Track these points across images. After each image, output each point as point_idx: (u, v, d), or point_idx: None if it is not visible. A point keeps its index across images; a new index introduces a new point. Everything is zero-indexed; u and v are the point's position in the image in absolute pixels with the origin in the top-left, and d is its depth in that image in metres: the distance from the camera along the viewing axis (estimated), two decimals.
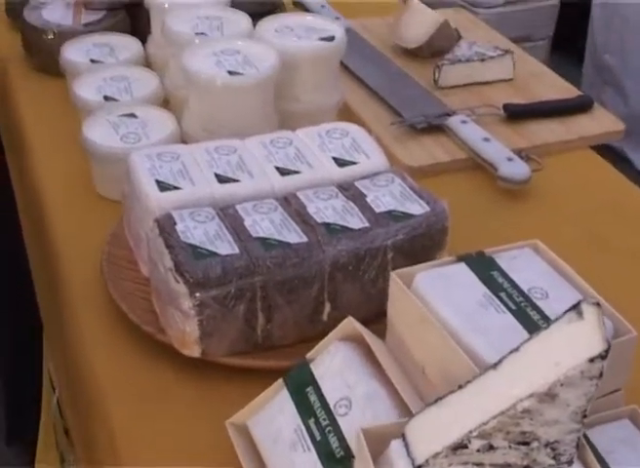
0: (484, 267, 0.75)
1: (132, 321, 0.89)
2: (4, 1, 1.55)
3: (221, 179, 0.93)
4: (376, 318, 0.87)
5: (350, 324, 0.75)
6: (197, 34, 1.16)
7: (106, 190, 1.11)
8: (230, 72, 1.06)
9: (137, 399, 0.85)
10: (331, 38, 1.15)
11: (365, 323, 0.77)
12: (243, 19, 1.21)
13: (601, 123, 1.30)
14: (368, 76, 1.36)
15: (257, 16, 1.31)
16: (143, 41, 1.34)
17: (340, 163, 0.96)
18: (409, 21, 1.44)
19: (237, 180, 0.93)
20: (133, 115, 1.13)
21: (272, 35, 1.16)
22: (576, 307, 0.56)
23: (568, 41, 3.59)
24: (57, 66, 1.31)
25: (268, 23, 1.18)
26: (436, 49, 1.42)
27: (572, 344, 0.55)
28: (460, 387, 0.59)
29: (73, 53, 1.29)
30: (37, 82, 1.39)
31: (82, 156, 1.14)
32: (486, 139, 1.19)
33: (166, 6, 1.25)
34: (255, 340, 0.85)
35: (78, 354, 0.94)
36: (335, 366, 0.73)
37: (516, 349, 0.58)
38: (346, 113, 1.25)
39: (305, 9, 1.56)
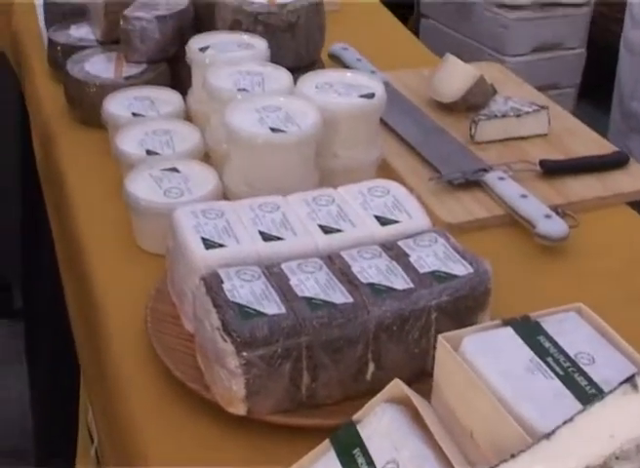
0: (530, 332, 0.76)
1: (176, 377, 0.89)
2: (47, 53, 1.58)
3: (266, 237, 0.94)
4: (418, 377, 0.88)
5: (397, 386, 0.76)
6: (239, 90, 1.18)
7: (148, 244, 1.13)
8: (272, 129, 1.08)
9: (180, 456, 0.86)
10: (371, 95, 1.17)
11: (407, 382, 0.78)
12: (283, 75, 1.23)
13: (637, 179, 1.31)
14: (405, 130, 1.38)
15: (295, 69, 1.34)
16: (184, 94, 1.36)
17: (383, 222, 0.98)
18: (445, 76, 1.45)
19: (281, 238, 0.94)
20: (175, 170, 1.15)
21: (313, 92, 1.18)
22: (630, 380, 0.57)
23: (595, 88, 3.61)
24: (99, 119, 1.33)
25: (309, 80, 1.20)
26: (472, 103, 1.44)
27: (627, 417, 0.56)
28: (513, 456, 0.60)
29: (115, 106, 1.31)
30: (79, 134, 1.41)
31: (123, 209, 1.15)
32: (523, 196, 1.20)
33: (207, 61, 1.27)
34: (299, 399, 0.85)
35: (120, 408, 0.95)
36: (382, 427, 0.74)
37: (570, 420, 0.58)
38: (384, 168, 1.26)
39: (342, 62, 1.58)
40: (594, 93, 3.63)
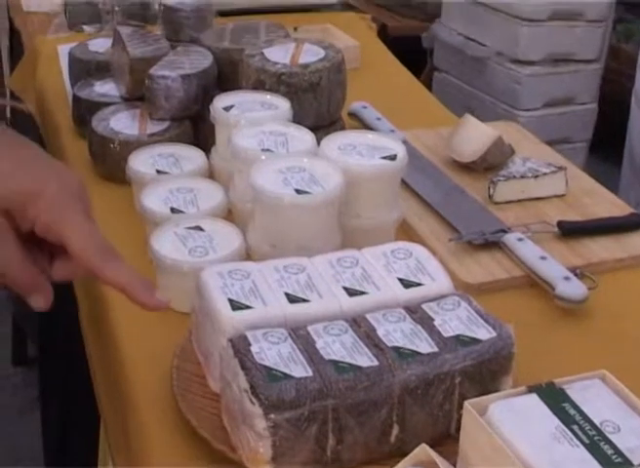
0: (555, 399, 0.77)
1: (202, 436, 0.90)
2: (72, 109, 1.61)
3: (292, 299, 0.95)
4: (441, 440, 0.89)
5: (424, 450, 0.77)
6: (263, 150, 1.20)
7: (173, 301, 1.13)
8: (297, 190, 1.10)
9: None
10: (393, 157, 1.19)
11: (430, 445, 0.79)
12: (307, 136, 1.25)
13: None
14: (424, 190, 1.40)
15: (317, 128, 1.37)
16: (206, 151, 1.39)
17: (406, 284, 0.99)
18: (464, 136, 1.47)
19: (307, 300, 0.95)
20: (199, 228, 1.16)
21: (336, 153, 1.20)
22: None
23: (606, 143, 3.64)
24: (123, 175, 1.35)
25: (332, 141, 1.22)
26: (490, 163, 1.46)
27: None
28: None
29: (139, 163, 1.34)
30: (104, 190, 1.43)
31: (148, 266, 1.17)
32: (542, 258, 1.21)
33: (231, 121, 1.29)
34: (324, 460, 0.86)
35: (144, 466, 0.96)
36: None
37: None
38: (404, 227, 1.28)
39: (361, 121, 1.60)
40: (605, 147, 3.66)
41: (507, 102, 3.44)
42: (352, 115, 1.63)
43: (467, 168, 1.48)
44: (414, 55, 3.78)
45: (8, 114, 3.18)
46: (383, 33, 3.79)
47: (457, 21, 3.70)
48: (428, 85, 3.77)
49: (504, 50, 3.45)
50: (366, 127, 1.58)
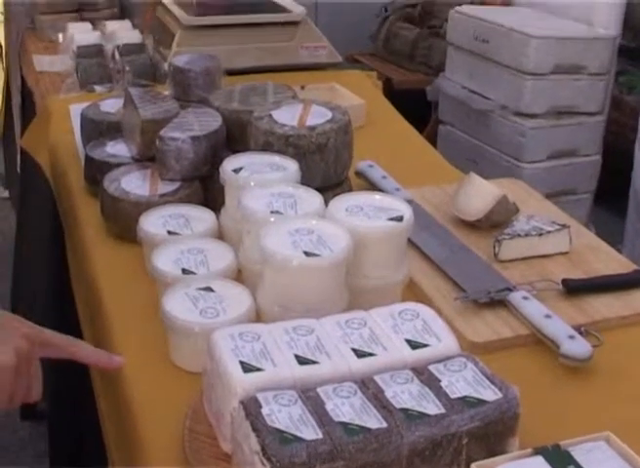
0: (561, 461, 0.79)
1: None
2: (84, 169, 1.64)
3: (301, 361, 0.97)
4: None
5: None
6: (272, 212, 1.23)
7: (184, 362, 1.16)
8: (306, 253, 1.12)
9: None
10: (399, 218, 1.21)
11: None
12: (315, 198, 1.27)
13: None
14: (430, 248, 1.42)
15: (324, 189, 1.39)
16: (215, 210, 1.41)
17: (413, 345, 1.01)
18: (468, 195, 1.50)
19: (316, 362, 0.97)
20: (210, 289, 1.19)
21: (344, 214, 1.22)
22: None
23: (610, 194, 3.66)
24: (134, 234, 1.38)
25: (339, 202, 1.25)
26: (495, 221, 1.48)
27: None
28: None
29: (150, 224, 1.36)
30: (115, 248, 1.46)
31: (159, 325, 1.19)
32: (547, 316, 1.23)
33: (241, 182, 1.32)
34: None
35: None
36: None
37: None
38: (410, 286, 1.30)
39: (367, 179, 1.63)
40: (610, 198, 3.69)
41: (512, 155, 3.48)
42: (359, 174, 1.66)
43: (472, 226, 1.50)
44: (418, 108, 3.83)
45: (18, 169, 3.23)
46: (388, 87, 3.84)
47: (461, 75, 3.75)
48: (433, 138, 3.81)
49: (508, 103, 3.49)
50: (372, 185, 1.61)
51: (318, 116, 1.45)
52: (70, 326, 1.79)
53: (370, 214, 1.22)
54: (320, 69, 2.27)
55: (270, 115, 1.44)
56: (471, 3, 4.21)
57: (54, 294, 2.13)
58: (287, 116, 1.45)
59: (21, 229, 2.79)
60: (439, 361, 0.98)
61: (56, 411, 2.21)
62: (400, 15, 4.47)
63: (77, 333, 1.53)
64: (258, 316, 1.16)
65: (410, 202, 1.43)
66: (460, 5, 4.01)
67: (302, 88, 1.99)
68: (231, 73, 1.97)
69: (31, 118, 2.47)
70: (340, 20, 4.32)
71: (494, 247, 1.42)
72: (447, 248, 1.44)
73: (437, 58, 4.11)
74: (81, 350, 1.08)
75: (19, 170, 3.23)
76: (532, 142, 3.43)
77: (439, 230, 1.48)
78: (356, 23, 4.53)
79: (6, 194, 4.16)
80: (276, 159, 1.38)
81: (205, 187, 1.51)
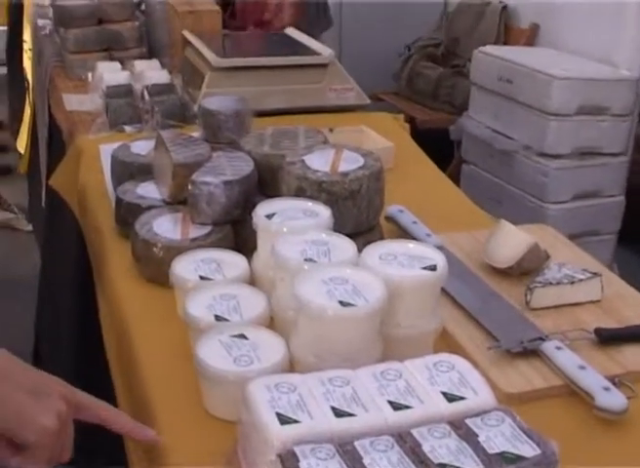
0: None
1: None
2: (114, 211, 1.65)
3: (338, 413, 0.97)
4: None
5: None
6: (306, 260, 1.23)
7: (217, 410, 1.16)
8: (341, 302, 1.12)
9: None
10: (433, 267, 1.21)
11: None
12: (348, 245, 1.27)
13: None
14: (462, 296, 1.41)
15: (356, 235, 1.40)
16: (246, 254, 1.42)
17: (450, 398, 1.00)
18: (499, 242, 1.50)
19: (353, 415, 0.97)
20: (243, 336, 1.19)
21: (377, 262, 1.22)
22: None
23: (634, 234, 3.66)
24: (165, 277, 1.38)
25: (373, 250, 1.25)
26: (526, 269, 1.48)
27: None
28: None
29: (182, 268, 1.37)
30: (146, 292, 1.46)
31: (191, 370, 1.19)
32: (581, 367, 1.22)
33: (274, 229, 1.32)
34: None
35: None
36: None
37: None
38: (443, 335, 1.29)
39: (398, 225, 1.63)
40: (634, 238, 3.68)
41: (535, 195, 3.48)
42: (389, 218, 1.66)
43: (503, 273, 1.50)
44: (441, 146, 3.84)
45: (43, 204, 3.25)
46: (411, 126, 3.85)
47: (484, 115, 3.76)
48: (456, 177, 3.82)
49: (532, 143, 3.49)
50: (403, 231, 1.61)
51: (350, 162, 1.45)
52: (95, 368, 1.80)
53: (403, 263, 1.22)
54: (348, 111, 2.28)
55: (303, 160, 1.45)
56: (495, 43, 4.24)
57: (79, 335, 2.14)
58: (319, 161, 1.45)
59: (46, 266, 2.81)
60: (476, 415, 0.98)
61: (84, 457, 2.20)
62: (423, 54, 4.50)
63: (104, 376, 1.54)
64: (291, 364, 1.16)
65: (441, 248, 1.43)
66: (483, 45, 4.04)
67: (331, 130, 2.00)
68: (260, 114, 1.97)
69: (58, 155, 2.49)
70: (363, 59, 4.34)
71: (525, 295, 1.41)
72: (479, 295, 1.43)
73: (460, 97, 4.13)
74: (114, 417, 1.08)
75: (43, 204, 3.26)
76: (555, 183, 3.44)
77: (471, 277, 1.48)
78: (379, 62, 4.56)
79: (29, 228, 4.19)
80: (309, 205, 1.38)
81: (236, 231, 1.51)
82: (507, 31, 4.35)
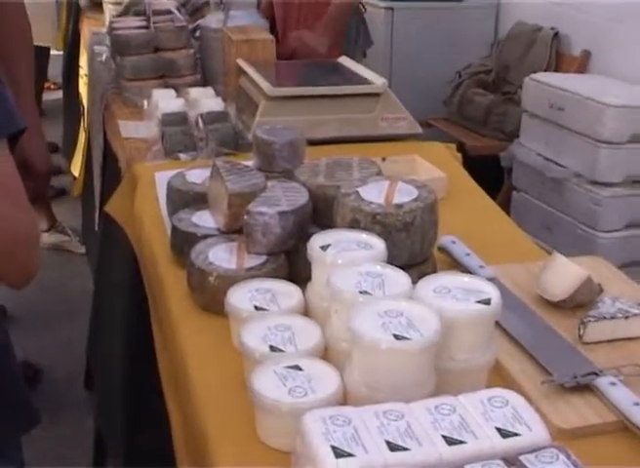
0: None
1: None
2: (170, 240, 1.67)
3: (392, 447, 0.98)
4: None
5: None
6: (361, 292, 1.24)
7: (270, 439, 1.17)
8: (396, 336, 1.13)
9: None
10: (487, 301, 1.22)
11: None
12: (403, 278, 1.28)
13: None
14: (515, 329, 1.42)
15: (409, 266, 1.41)
16: (300, 282, 1.43)
17: (504, 434, 1.01)
18: (553, 275, 1.50)
19: (407, 449, 0.98)
20: (298, 367, 1.20)
21: (431, 295, 1.23)
22: None
23: None
24: (220, 306, 1.40)
25: (427, 283, 1.26)
26: (579, 302, 1.48)
27: None
28: None
29: (238, 298, 1.38)
30: (201, 320, 1.48)
31: (244, 398, 1.20)
32: (636, 404, 1.22)
33: (328, 260, 1.33)
34: None
35: None
36: None
37: None
38: (495, 367, 1.29)
39: (451, 256, 1.64)
40: None
41: (587, 223, 3.46)
42: (441, 249, 1.66)
43: (557, 306, 1.50)
44: (491, 173, 3.84)
45: (96, 227, 3.29)
46: (462, 152, 3.85)
47: (535, 142, 3.76)
48: (506, 204, 3.82)
49: (584, 171, 3.48)
50: (455, 262, 1.62)
51: (404, 194, 1.46)
52: (148, 394, 1.83)
53: (458, 297, 1.23)
54: (400, 140, 2.29)
55: (357, 192, 1.46)
56: (546, 70, 4.24)
57: (132, 361, 2.16)
58: (373, 193, 1.46)
59: (99, 290, 2.84)
60: (530, 451, 0.98)
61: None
62: (474, 80, 4.50)
63: (156, 402, 1.56)
64: (344, 396, 1.17)
65: (494, 280, 1.43)
66: (534, 72, 4.04)
67: (384, 160, 2.01)
68: (312, 143, 1.99)
69: (113, 181, 2.53)
70: (414, 85, 4.36)
71: (579, 328, 1.41)
72: (532, 328, 1.43)
73: (511, 124, 4.13)
74: None
75: (96, 228, 3.30)
76: (607, 211, 3.42)
77: (523, 310, 1.48)
78: (430, 88, 4.57)
79: (82, 250, 4.24)
80: (363, 236, 1.39)
81: (290, 260, 1.53)
82: (559, 58, 4.36)
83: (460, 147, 3.95)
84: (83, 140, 4.06)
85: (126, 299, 2.22)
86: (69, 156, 4.61)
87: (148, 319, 1.76)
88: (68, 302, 3.85)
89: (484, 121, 4.29)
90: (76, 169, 4.33)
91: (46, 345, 3.54)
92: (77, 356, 3.29)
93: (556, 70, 4.28)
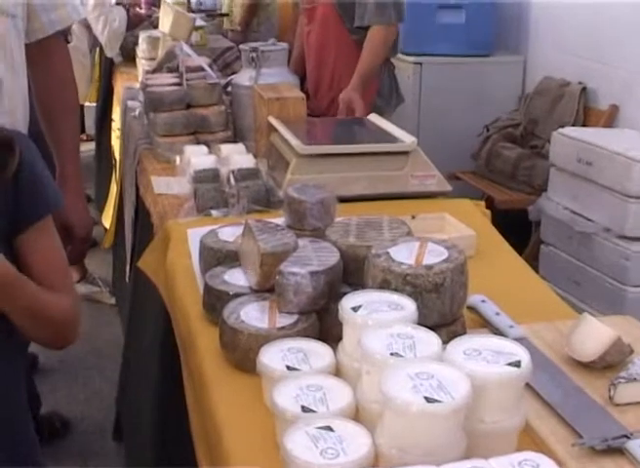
0: None
1: None
2: (203, 297, 1.69)
3: None
4: None
5: None
6: (392, 354, 1.25)
7: None
8: (427, 398, 1.14)
9: None
10: (517, 363, 1.23)
11: None
12: (433, 339, 1.30)
13: None
14: (544, 389, 1.42)
15: (439, 326, 1.42)
16: (330, 341, 1.45)
17: None
18: (583, 336, 1.51)
19: None
20: (330, 428, 1.21)
21: (462, 357, 1.24)
22: None
23: None
24: (252, 365, 1.42)
25: (457, 345, 1.27)
26: (609, 363, 1.48)
27: None
28: None
29: (269, 357, 1.40)
30: (233, 378, 1.50)
31: (276, 458, 1.20)
32: None
33: (359, 321, 1.35)
34: None
35: None
36: None
37: None
38: (525, 428, 1.30)
39: (480, 315, 1.65)
40: None
41: (615, 278, 3.46)
42: (471, 308, 1.68)
43: (586, 366, 1.50)
44: (519, 227, 3.85)
45: (127, 279, 3.33)
46: (489, 206, 3.88)
47: (563, 196, 3.77)
48: (534, 258, 3.82)
49: (612, 226, 3.49)
50: (485, 321, 1.63)
51: (435, 254, 1.48)
52: (177, 449, 1.84)
53: (488, 359, 1.24)
54: (429, 197, 2.32)
55: (388, 253, 1.48)
56: (573, 124, 4.26)
57: (161, 415, 2.18)
58: (404, 254, 1.48)
59: (130, 343, 2.87)
60: None
61: None
62: (502, 134, 4.53)
63: (185, 458, 1.57)
64: (375, 457, 1.18)
65: (523, 340, 1.44)
66: (562, 126, 4.06)
67: (413, 217, 2.03)
68: (342, 200, 2.01)
69: (145, 235, 2.57)
70: (441, 138, 4.40)
71: (609, 390, 1.41)
72: (561, 389, 1.44)
73: (539, 177, 4.14)
74: None
75: (127, 280, 3.34)
76: (636, 266, 3.42)
77: (553, 370, 1.49)
78: (458, 142, 4.60)
79: (113, 301, 4.28)
80: (394, 297, 1.41)
81: (320, 318, 1.55)
82: (586, 112, 4.38)
83: (488, 201, 3.98)
84: (115, 192, 4.12)
85: (157, 353, 2.24)
86: (101, 207, 4.67)
87: (179, 373, 1.78)
88: (98, 353, 3.88)
89: (512, 174, 4.31)
90: (107, 220, 4.38)
91: (76, 395, 3.56)
92: (106, 407, 3.31)
93: (584, 124, 4.30)
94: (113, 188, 4.23)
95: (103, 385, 3.57)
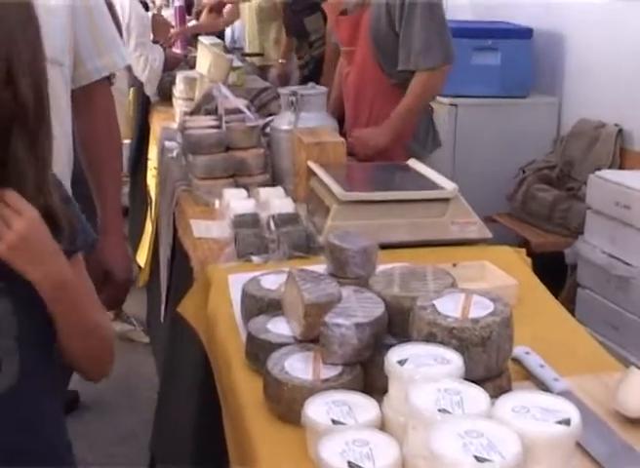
0: None
1: None
2: (245, 346, 1.69)
3: None
4: None
5: None
6: (439, 411, 1.25)
7: None
8: (477, 458, 1.13)
9: None
10: (567, 421, 1.22)
11: None
12: (481, 395, 1.29)
13: None
14: (591, 445, 1.40)
15: (484, 380, 1.41)
16: (374, 393, 1.44)
17: None
18: (630, 389, 1.49)
19: None
20: None
21: (510, 415, 1.23)
22: None
23: None
24: (296, 416, 1.41)
25: (505, 402, 1.26)
26: None
27: None
28: None
29: (314, 410, 1.39)
30: (277, 429, 1.49)
31: None
32: None
33: (405, 375, 1.34)
34: None
35: None
36: None
37: None
38: None
39: (524, 367, 1.64)
40: None
41: None
42: (515, 360, 1.66)
43: (635, 421, 1.48)
44: (555, 269, 3.83)
45: (162, 319, 3.34)
46: (526, 249, 3.86)
47: (601, 239, 3.75)
48: (571, 301, 3.79)
49: None
50: (529, 374, 1.62)
51: (480, 307, 1.47)
52: None
53: (537, 417, 1.23)
54: (470, 244, 2.31)
55: (434, 305, 1.48)
56: (610, 166, 4.24)
57: (201, 459, 2.17)
58: (449, 306, 1.48)
59: (166, 385, 2.86)
60: None
61: None
62: (538, 176, 4.52)
63: None
64: None
65: (568, 394, 1.43)
66: (598, 168, 4.05)
67: (454, 265, 2.03)
68: (383, 247, 2.01)
69: (184, 278, 2.57)
70: (477, 180, 4.39)
71: None
72: (608, 445, 1.42)
73: (576, 220, 4.12)
74: None
75: (162, 319, 3.35)
76: None
77: (600, 425, 1.47)
78: (493, 184, 4.59)
79: (147, 340, 4.29)
80: (440, 351, 1.40)
81: (365, 369, 1.54)
82: (623, 154, 4.36)
83: (525, 244, 3.96)
84: (150, 231, 4.13)
85: (195, 397, 2.23)
86: (135, 246, 4.69)
87: (219, 419, 1.78)
88: (132, 392, 3.88)
89: (548, 217, 4.29)
90: (142, 258, 4.39)
91: (109, 436, 3.56)
92: (140, 448, 3.31)
93: (621, 166, 4.28)
94: (148, 227, 4.24)
95: (137, 426, 3.56)
